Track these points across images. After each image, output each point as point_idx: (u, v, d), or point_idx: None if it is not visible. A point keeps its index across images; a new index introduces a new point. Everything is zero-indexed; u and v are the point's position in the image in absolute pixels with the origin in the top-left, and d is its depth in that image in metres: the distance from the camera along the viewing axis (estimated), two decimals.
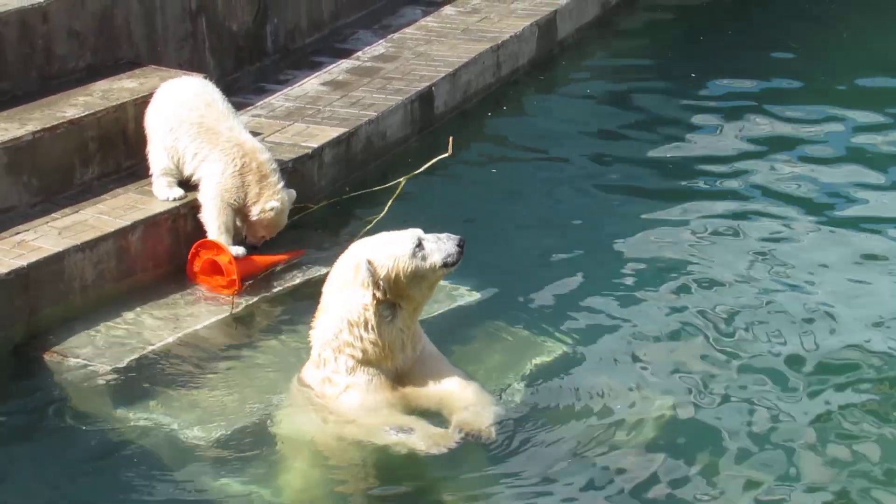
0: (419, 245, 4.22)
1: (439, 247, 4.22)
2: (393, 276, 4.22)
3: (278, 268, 5.81)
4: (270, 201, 5.52)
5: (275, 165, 5.82)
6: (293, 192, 5.83)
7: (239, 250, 5.54)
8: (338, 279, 4.34)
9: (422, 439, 4.12)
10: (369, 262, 4.17)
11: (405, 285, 4.23)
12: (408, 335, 4.35)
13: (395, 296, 4.21)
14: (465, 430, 4.25)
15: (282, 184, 5.74)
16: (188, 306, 5.53)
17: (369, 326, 4.15)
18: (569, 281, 5.97)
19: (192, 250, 5.62)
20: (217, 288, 5.63)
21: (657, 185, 7.15)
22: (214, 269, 5.53)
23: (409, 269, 4.22)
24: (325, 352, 4.25)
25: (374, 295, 4.16)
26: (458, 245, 4.23)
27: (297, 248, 5.97)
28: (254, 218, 5.56)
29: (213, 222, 5.57)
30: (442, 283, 5.35)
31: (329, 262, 5.76)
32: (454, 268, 4.36)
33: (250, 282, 5.63)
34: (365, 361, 4.25)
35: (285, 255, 5.81)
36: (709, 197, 6.85)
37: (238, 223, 5.65)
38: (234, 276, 5.44)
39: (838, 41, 9.41)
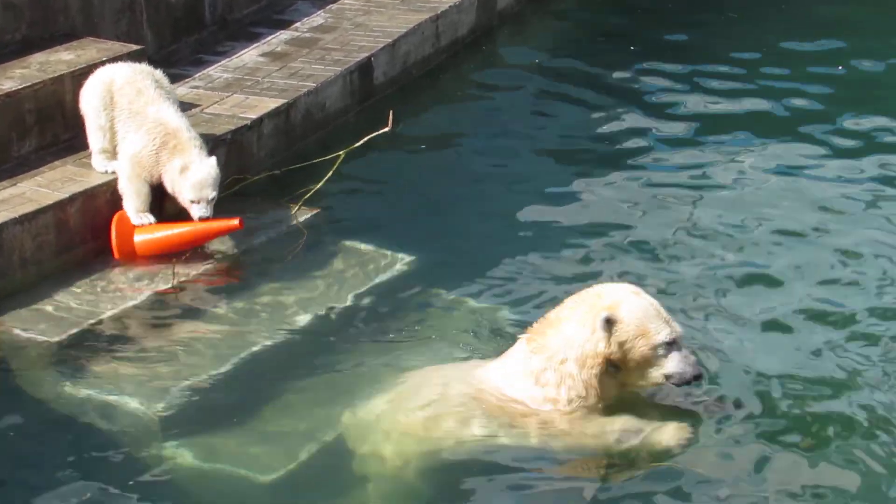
0: (672, 343, 4.14)
1: (682, 362, 4.11)
2: (627, 345, 4.17)
3: (213, 238, 5.80)
4: (175, 160, 5.65)
5: (198, 140, 5.91)
6: (213, 159, 5.85)
7: (146, 218, 5.68)
8: (581, 309, 4.21)
9: (667, 434, 4.20)
10: (613, 321, 4.06)
11: (628, 358, 4.18)
12: (619, 391, 4.34)
13: (617, 357, 4.19)
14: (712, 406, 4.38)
15: (202, 153, 5.81)
16: (129, 279, 5.55)
17: (593, 374, 4.14)
18: (505, 247, 6.07)
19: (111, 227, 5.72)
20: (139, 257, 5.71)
21: (594, 155, 7.31)
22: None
23: (644, 354, 4.15)
24: (548, 372, 4.20)
25: (608, 349, 4.12)
26: (694, 376, 4.12)
27: (231, 217, 5.90)
28: (170, 186, 5.70)
29: (125, 193, 5.73)
30: (379, 251, 5.72)
31: (269, 230, 6.06)
32: (675, 385, 4.26)
33: (186, 253, 5.68)
34: (578, 397, 4.24)
35: (216, 221, 5.78)
36: (643, 167, 7.01)
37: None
38: (113, 238, 5.55)
39: (766, 23, 9.73)
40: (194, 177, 5.63)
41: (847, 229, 6.20)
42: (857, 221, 6.34)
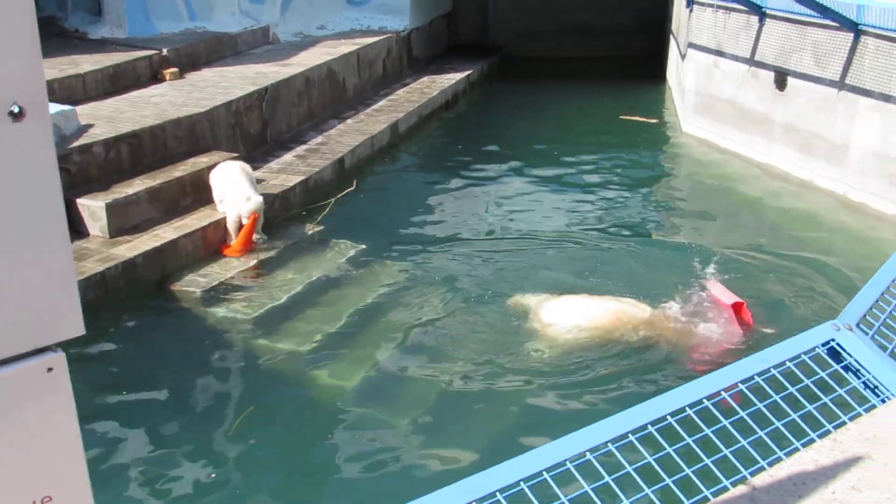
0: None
1: None
2: None
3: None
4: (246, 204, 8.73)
5: (258, 198, 8.94)
6: (260, 198, 8.88)
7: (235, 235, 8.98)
8: None
9: None
10: None
11: None
12: None
13: None
14: None
15: (248, 200, 8.77)
16: (235, 263, 9.09)
17: None
18: (422, 239, 9.96)
19: None
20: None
21: (459, 199, 11.61)
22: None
23: None
24: None
25: None
26: None
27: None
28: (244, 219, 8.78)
29: (230, 225, 8.98)
30: (339, 241, 9.44)
31: (297, 236, 9.56)
32: None
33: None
34: None
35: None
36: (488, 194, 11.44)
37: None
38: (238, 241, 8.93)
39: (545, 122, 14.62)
40: (250, 207, 8.89)
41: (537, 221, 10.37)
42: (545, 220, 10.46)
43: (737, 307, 7.40)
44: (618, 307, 7.51)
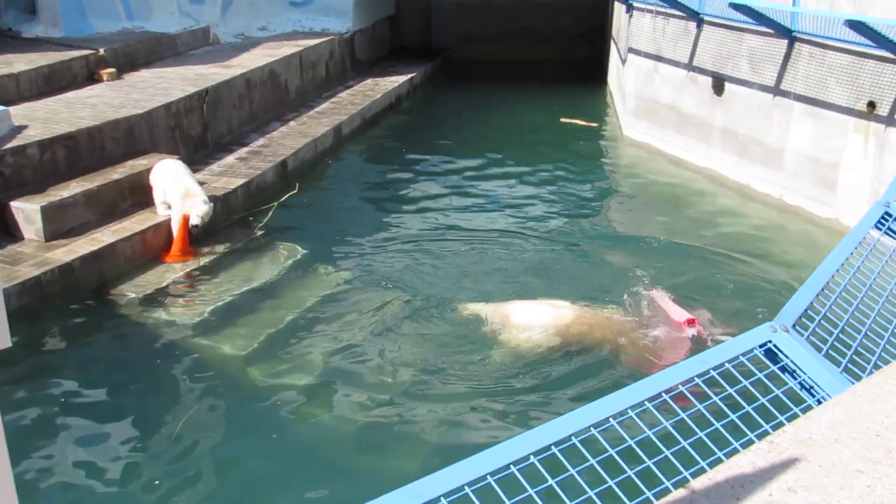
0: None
1: None
2: None
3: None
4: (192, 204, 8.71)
5: (204, 195, 8.93)
6: (210, 205, 8.83)
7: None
8: None
9: None
10: None
11: None
12: None
13: None
14: None
15: (204, 203, 8.73)
16: (175, 268, 9.20)
17: None
18: (365, 242, 9.94)
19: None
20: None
21: (403, 202, 11.58)
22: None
23: None
24: None
25: None
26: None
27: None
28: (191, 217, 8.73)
29: (174, 224, 8.92)
30: (282, 244, 9.37)
31: (239, 240, 9.54)
32: None
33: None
34: None
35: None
36: (428, 205, 11.44)
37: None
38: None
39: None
40: (199, 210, 8.88)
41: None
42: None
43: (680, 326, 7.44)
44: (565, 311, 7.54)
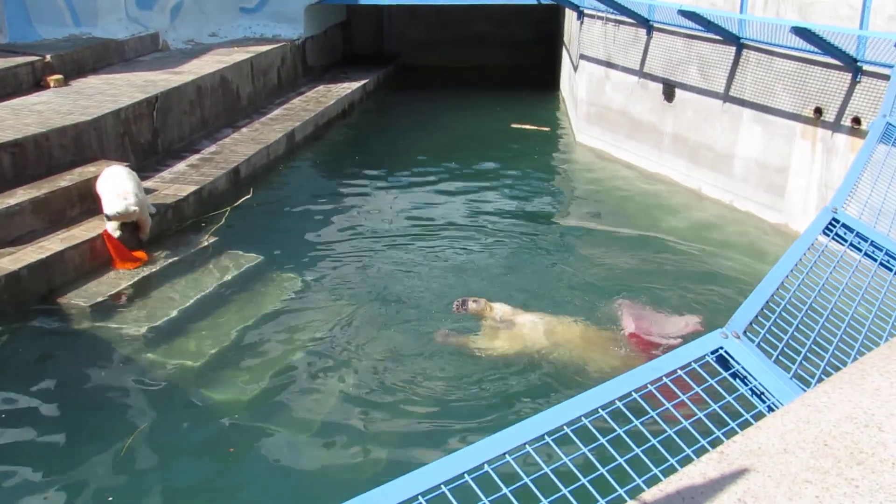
0: None
1: None
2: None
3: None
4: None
5: (132, 199, 8.73)
6: (128, 203, 8.62)
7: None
8: None
9: None
10: None
11: None
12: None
13: None
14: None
15: (124, 199, 8.56)
16: (121, 274, 9.04)
17: None
18: (319, 248, 9.84)
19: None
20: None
21: (356, 208, 11.56)
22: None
23: None
24: None
25: None
26: None
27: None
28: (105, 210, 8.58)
29: (112, 233, 8.71)
30: (235, 251, 9.25)
31: (191, 247, 9.35)
32: None
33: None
34: None
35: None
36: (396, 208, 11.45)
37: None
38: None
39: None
40: (114, 205, 8.63)
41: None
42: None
43: (639, 338, 7.47)
44: (531, 319, 7.53)
